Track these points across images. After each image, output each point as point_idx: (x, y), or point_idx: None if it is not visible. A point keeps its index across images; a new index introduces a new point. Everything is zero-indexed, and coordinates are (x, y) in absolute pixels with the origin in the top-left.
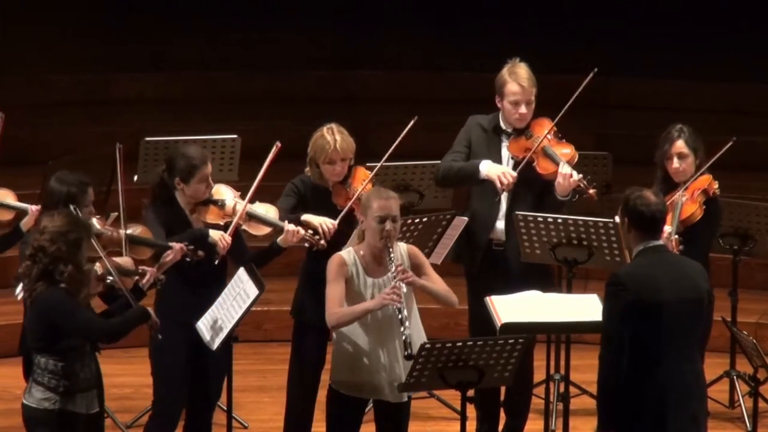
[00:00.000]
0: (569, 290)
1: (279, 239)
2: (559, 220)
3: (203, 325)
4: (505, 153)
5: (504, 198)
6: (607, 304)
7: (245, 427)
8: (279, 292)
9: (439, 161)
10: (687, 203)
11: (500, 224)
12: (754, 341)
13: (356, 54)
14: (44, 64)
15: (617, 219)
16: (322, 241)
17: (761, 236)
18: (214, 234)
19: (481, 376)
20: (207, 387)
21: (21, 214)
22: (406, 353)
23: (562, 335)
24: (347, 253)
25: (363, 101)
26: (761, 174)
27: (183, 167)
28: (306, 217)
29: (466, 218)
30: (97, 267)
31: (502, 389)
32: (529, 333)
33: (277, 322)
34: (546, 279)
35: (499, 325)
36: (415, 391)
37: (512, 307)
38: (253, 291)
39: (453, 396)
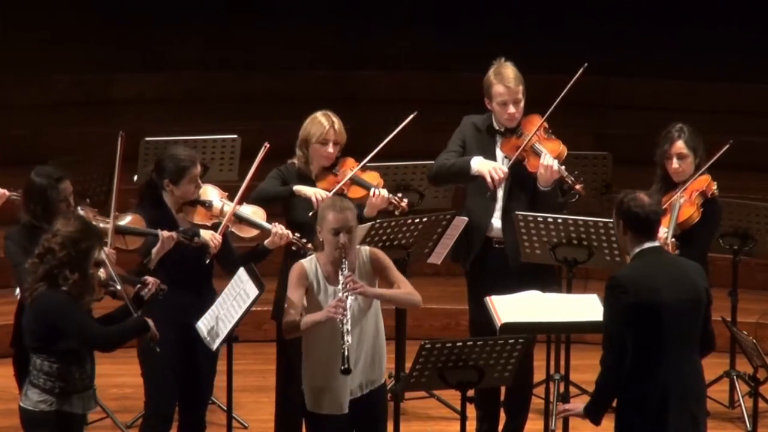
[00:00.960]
0: (569, 290)
1: (266, 241)
2: (559, 220)
3: (203, 325)
4: (499, 153)
5: (500, 196)
6: (606, 307)
7: (245, 427)
8: None
9: None
10: (684, 206)
11: (498, 223)
12: (754, 341)
13: (356, 54)
14: (44, 64)
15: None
16: (309, 244)
17: (761, 236)
18: (205, 233)
19: (481, 376)
20: (198, 385)
21: None
22: (342, 367)
23: (562, 335)
24: (308, 262)
25: (363, 101)
26: (761, 174)
27: (173, 168)
28: (298, 187)
29: (466, 218)
30: (101, 273)
31: (502, 389)
32: (529, 333)
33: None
34: (547, 277)
35: (499, 325)
36: (415, 390)
37: (512, 307)
38: (253, 291)
39: (453, 396)
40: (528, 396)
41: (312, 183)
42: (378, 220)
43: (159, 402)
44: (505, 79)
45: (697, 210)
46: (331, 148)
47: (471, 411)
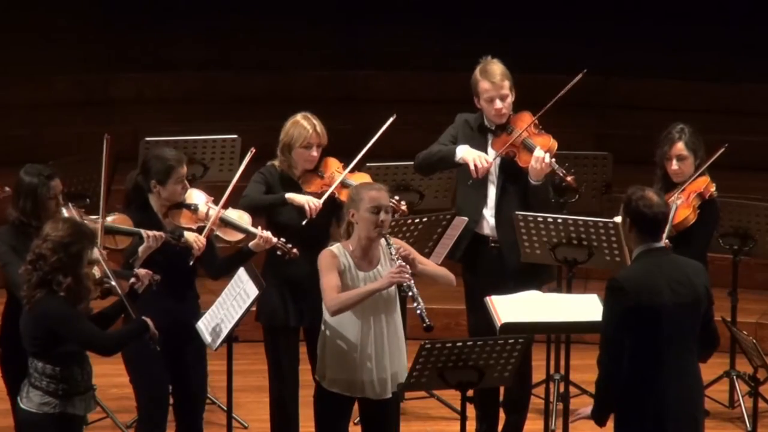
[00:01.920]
0: (569, 290)
1: (251, 244)
2: (559, 220)
3: (203, 325)
4: (490, 151)
5: (492, 193)
6: (606, 308)
7: (245, 427)
8: None
9: None
10: (681, 207)
11: (492, 220)
12: (754, 341)
13: (356, 54)
14: (44, 64)
15: (618, 219)
16: (294, 250)
17: (761, 236)
18: (189, 235)
19: (481, 376)
20: (189, 389)
21: None
22: (424, 324)
23: (562, 335)
24: (337, 248)
25: (363, 101)
26: (761, 174)
27: (159, 169)
28: (290, 195)
29: (466, 218)
30: (95, 270)
31: (501, 389)
32: (529, 333)
33: None
34: (543, 275)
35: (499, 325)
36: (415, 390)
37: (512, 307)
38: (253, 291)
39: (453, 396)
40: (527, 395)
41: (297, 186)
42: None
43: (151, 406)
44: (490, 75)
45: (693, 212)
46: (314, 152)
47: (471, 411)
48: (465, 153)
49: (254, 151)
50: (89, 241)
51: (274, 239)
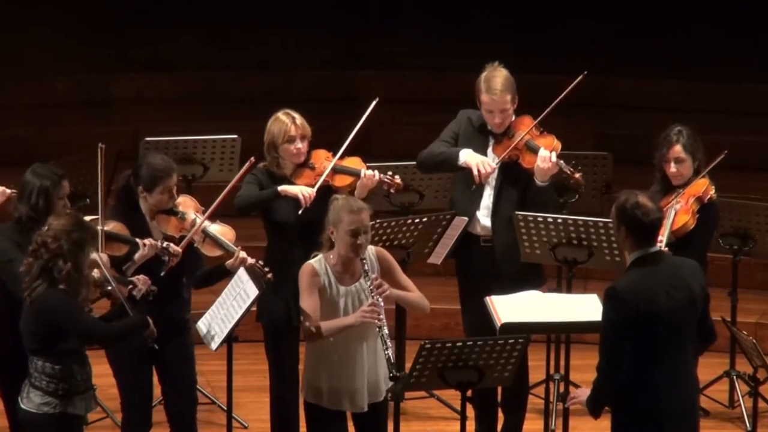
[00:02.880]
0: (569, 290)
1: (227, 263)
2: (559, 220)
3: (203, 325)
4: (490, 154)
5: (488, 194)
6: (605, 318)
7: (245, 427)
8: None
9: None
10: (680, 212)
11: (486, 221)
12: (754, 341)
13: (356, 54)
14: (44, 64)
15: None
16: (270, 275)
17: (761, 236)
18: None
19: (481, 376)
20: (176, 389)
21: None
22: (390, 374)
23: (562, 335)
24: (318, 263)
25: (363, 101)
26: (761, 174)
27: (146, 177)
28: (284, 187)
29: (466, 218)
30: (95, 273)
31: (499, 389)
32: (529, 333)
33: None
34: (535, 277)
35: (499, 325)
36: (415, 390)
37: (512, 307)
38: (253, 291)
39: (453, 396)
40: (525, 395)
41: (289, 182)
42: (378, 220)
43: (136, 408)
44: (491, 90)
45: (693, 217)
46: (299, 143)
47: (471, 411)
48: (468, 157)
49: (253, 160)
50: (91, 235)
51: (251, 260)
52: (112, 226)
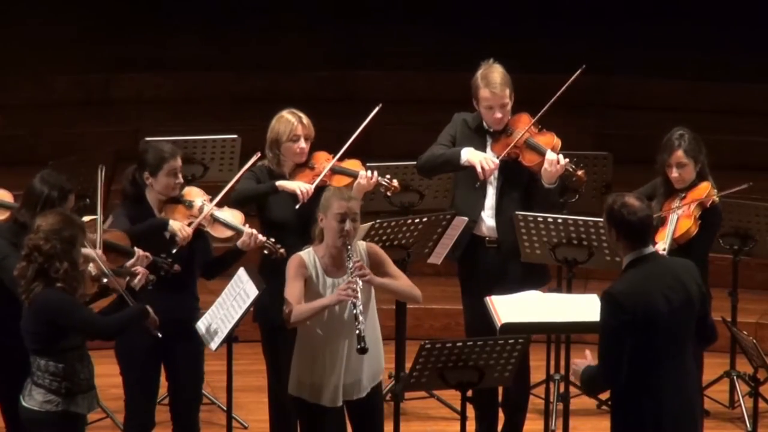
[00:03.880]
0: (569, 290)
1: (239, 242)
2: (559, 220)
3: (203, 325)
4: (491, 154)
5: (491, 194)
6: (602, 322)
7: (245, 427)
8: None
9: None
10: (682, 218)
11: (491, 222)
12: (754, 341)
13: (356, 54)
14: (44, 64)
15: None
16: (282, 250)
17: (761, 236)
18: (174, 224)
19: (481, 376)
20: (183, 388)
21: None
22: (358, 346)
23: (562, 335)
24: (306, 254)
25: (363, 101)
26: (761, 174)
27: (151, 160)
28: (281, 182)
29: (466, 218)
30: (91, 268)
31: (500, 389)
32: (529, 333)
33: None
34: (541, 277)
35: (499, 325)
36: (415, 390)
37: (512, 307)
38: (253, 291)
39: (453, 396)
40: (525, 395)
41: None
42: (378, 220)
43: (136, 408)
44: (491, 84)
45: (695, 223)
46: (302, 143)
47: (471, 411)
48: (470, 156)
49: (259, 155)
50: (81, 230)
51: (262, 237)
52: (112, 235)
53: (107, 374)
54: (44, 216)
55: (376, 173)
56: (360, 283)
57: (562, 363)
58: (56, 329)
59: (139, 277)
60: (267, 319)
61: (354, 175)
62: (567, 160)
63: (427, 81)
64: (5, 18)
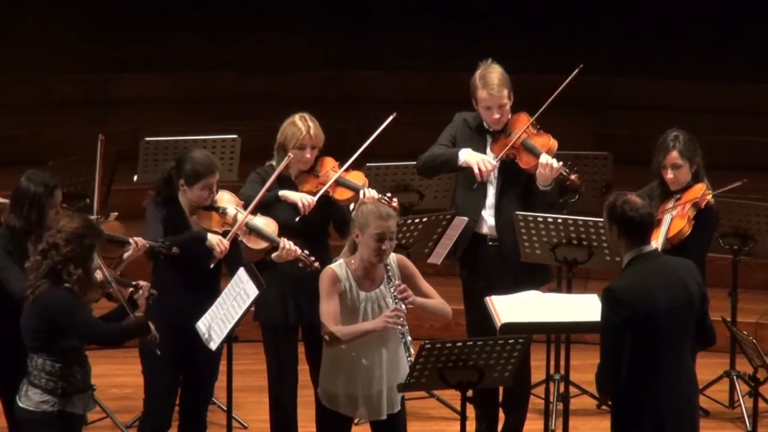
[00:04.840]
0: (569, 290)
1: (273, 255)
2: (559, 220)
3: (203, 325)
4: (489, 154)
5: (491, 193)
6: (603, 319)
7: (245, 427)
8: None
9: None
10: (676, 218)
11: (491, 220)
12: (754, 341)
13: (356, 54)
14: (44, 64)
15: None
16: (317, 263)
17: (761, 236)
18: (212, 238)
19: (481, 376)
20: (199, 387)
21: None
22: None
23: (562, 335)
24: (339, 267)
25: (363, 101)
26: (761, 174)
27: (189, 171)
28: (284, 192)
29: (466, 218)
30: (98, 274)
31: (500, 389)
32: (529, 333)
33: None
34: (543, 275)
35: (499, 325)
36: (415, 390)
37: (512, 307)
38: (253, 291)
39: (453, 396)
40: (526, 395)
41: (293, 185)
42: None
43: (157, 401)
44: (489, 85)
45: (689, 223)
46: (308, 153)
47: (471, 411)
48: (468, 157)
49: (291, 156)
50: (100, 239)
51: (298, 251)
52: (107, 225)
53: (107, 374)
54: (70, 218)
55: (373, 192)
56: (405, 309)
57: (562, 363)
58: (57, 329)
59: (141, 291)
60: (268, 318)
61: (356, 190)
62: (561, 163)
63: (427, 81)
64: (5, 18)
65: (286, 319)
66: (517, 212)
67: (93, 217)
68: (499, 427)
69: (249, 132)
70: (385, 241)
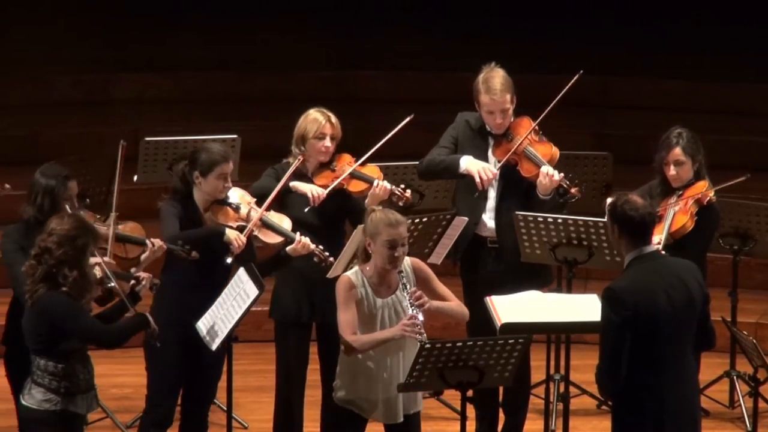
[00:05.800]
0: (569, 290)
1: (288, 248)
2: (559, 220)
3: (203, 325)
4: (491, 157)
5: (492, 196)
6: (604, 319)
7: (245, 427)
8: None
9: None
10: (678, 213)
11: (491, 223)
12: (754, 341)
13: (356, 54)
14: (44, 64)
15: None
16: (331, 258)
17: (761, 236)
18: (230, 233)
19: (481, 376)
20: (202, 386)
21: None
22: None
23: (562, 335)
24: (354, 275)
25: (363, 101)
26: (761, 174)
27: (204, 161)
28: (295, 183)
29: (466, 218)
30: (96, 271)
31: (500, 389)
32: (529, 333)
33: None
34: (543, 277)
35: (499, 325)
36: (415, 390)
37: (512, 307)
38: (253, 291)
39: (453, 396)
40: (526, 395)
41: (308, 180)
42: None
43: (160, 398)
44: (491, 90)
45: (691, 219)
46: (328, 142)
47: (471, 411)
48: (469, 164)
49: (301, 159)
50: (93, 237)
51: (312, 245)
52: (126, 227)
53: (107, 374)
54: (59, 218)
55: (386, 183)
56: (421, 316)
57: (562, 363)
58: (57, 332)
59: (143, 282)
60: (281, 314)
61: (370, 182)
62: (561, 175)
63: (428, 81)
64: (5, 18)
65: (298, 317)
66: (517, 212)
67: (112, 215)
68: (499, 427)
69: (249, 132)
70: (397, 248)
